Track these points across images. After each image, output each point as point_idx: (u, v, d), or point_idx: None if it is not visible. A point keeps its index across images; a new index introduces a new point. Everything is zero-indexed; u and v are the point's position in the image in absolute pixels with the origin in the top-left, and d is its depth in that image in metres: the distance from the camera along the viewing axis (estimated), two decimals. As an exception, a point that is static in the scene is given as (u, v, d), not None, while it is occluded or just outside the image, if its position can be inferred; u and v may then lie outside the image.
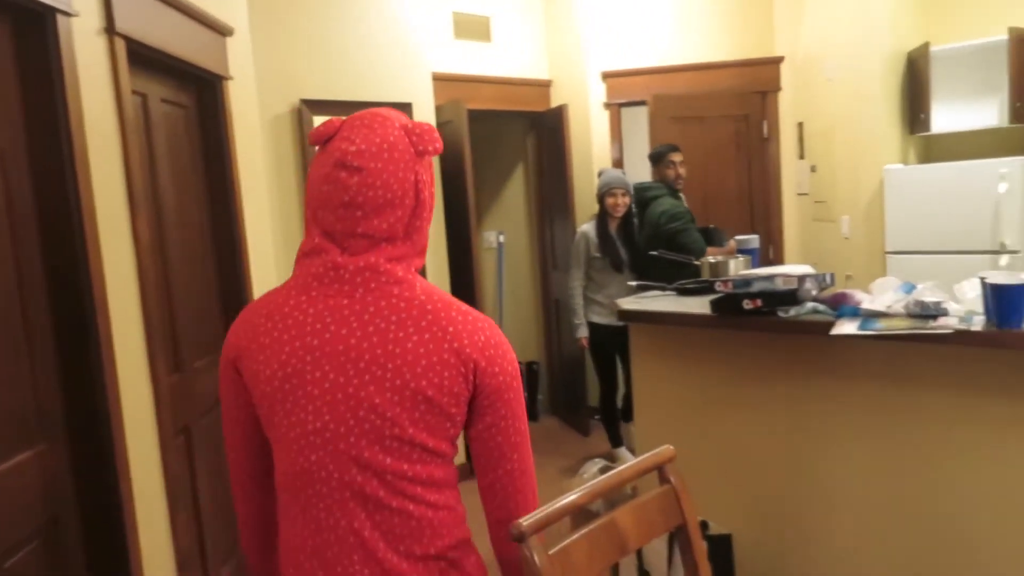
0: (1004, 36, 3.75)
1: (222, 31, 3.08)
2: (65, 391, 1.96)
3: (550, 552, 1.25)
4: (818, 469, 2.45)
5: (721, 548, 2.62)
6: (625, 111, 5.30)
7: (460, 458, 1.32)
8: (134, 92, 2.46)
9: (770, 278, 2.35)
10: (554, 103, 5.42)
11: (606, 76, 5.20)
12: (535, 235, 5.75)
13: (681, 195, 4.35)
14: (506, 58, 5.17)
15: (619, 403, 4.42)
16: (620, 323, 4.10)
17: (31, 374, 1.85)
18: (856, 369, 2.32)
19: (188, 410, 2.77)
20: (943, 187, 3.88)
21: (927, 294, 2.18)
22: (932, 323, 2.05)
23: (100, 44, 2.16)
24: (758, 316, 2.36)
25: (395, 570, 1.20)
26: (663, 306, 2.74)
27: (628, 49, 5.18)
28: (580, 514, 3.25)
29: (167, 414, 2.45)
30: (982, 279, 2.02)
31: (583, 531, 1.34)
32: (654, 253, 3.79)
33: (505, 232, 5.93)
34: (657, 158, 4.39)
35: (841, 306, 2.26)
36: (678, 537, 1.50)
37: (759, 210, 5.23)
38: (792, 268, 2.51)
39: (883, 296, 2.28)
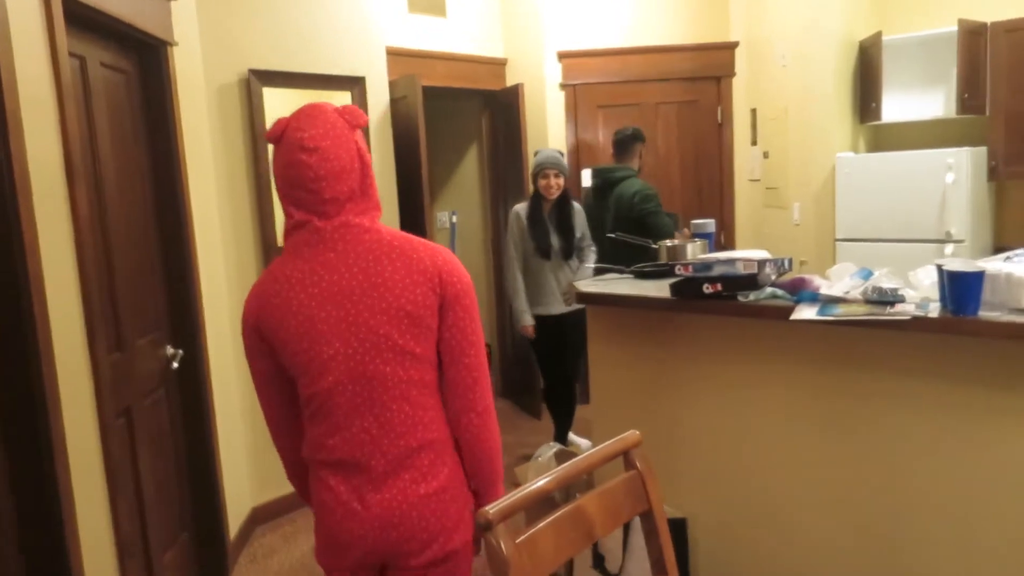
0: (954, 27, 3.82)
1: (167, -6, 2.94)
2: (-3, 371, 1.84)
3: (517, 541, 1.21)
4: (775, 453, 2.46)
5: (676, 532, 2.63)
6: (583, 90, 5.26)
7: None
8: (72, 54, 2.33)
9: (731, 262, 2.34)
10: (509, 82, 5.35)
11: (562, 56, 5.15)
12: (488, 216, 5.69)
13: None
14: (461, 34, 5.08)
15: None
16: (552, 312, 4.07)
17: (-41, 353, 1.73)
18: (814, 354, 2.34)
19: (129, 391, 2.66)
20: (892, 176, 3.94)
21: (884, 280, 2.19)
22: (890, 309, 2.06)
23: (34, 1, 2.02)
24: (718, 300, 2.36)
25: (396, 457, 1.56)
26: (621, 289, 2.71)
27: (585, 30, 5.14)
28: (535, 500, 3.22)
29: (107, 396, 2.34)
30: (938, 266, 2.03)
31: (549, 519, 1.31)
32: (612, 235, 3.77)
33: (458, 212, 5.86)
34: (624, 143, 4.28)
35: (800, 291, 2.26)
36: (644, 522, 1.48)
37: (711, 196, 5.26)
38: (751, 253, 2.51)
39: (841, 282, 2.29)
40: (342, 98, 4.06)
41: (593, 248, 4.16)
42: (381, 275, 1.54)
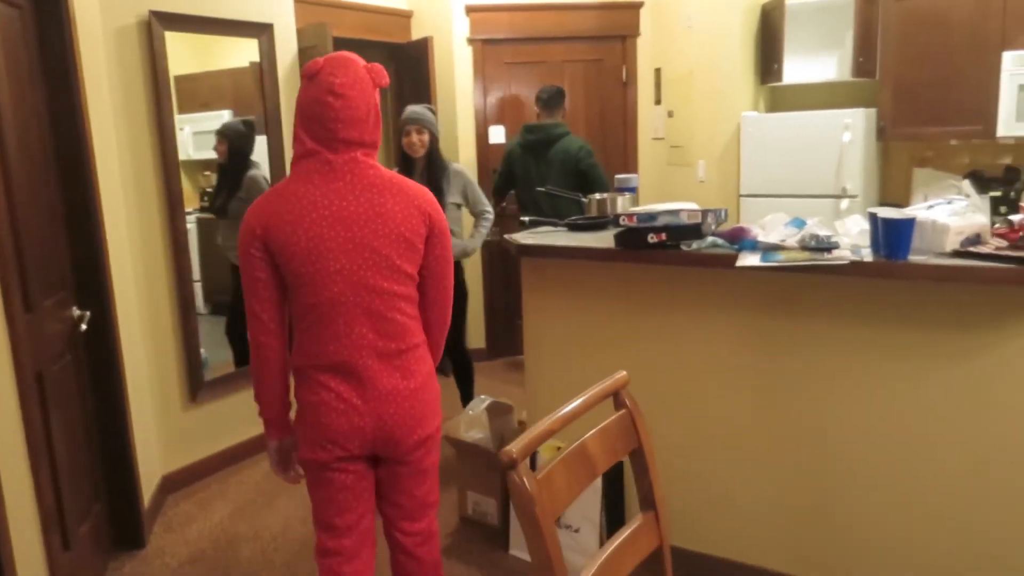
0: (851, -6, 4.02)
1: (65, -80, 2.67)
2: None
3: (538, 477, 1.22)
4: (716, 399, 2.57)
5: (612, 477, 2.71)
6: (491, 47, 5.20)
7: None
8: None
9: (675, 212, 2.41)
10: (415, 35, 5.22)
11: (470, 10, 5.07)
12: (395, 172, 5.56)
13: None
14: (367, -17, 4.90)
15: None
16: None
17: None
18: (753, 301, 2.44)
19: (40, 355, 2.45)
20: (794, 135, 4.14)
21: (818, 229, 2.32)
22: (827, 255, 2.18)
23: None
24: (662, 250, 2.42)
25: (388, 356, 1.86)
26: (561, 241, 2.74)
27: (493, -17, 5.07)
28: (460, 445, 3.24)
29: (26, 357, 2.15)
30: (872, 214, 2.17)
31: (560, 456, 1.32)
32: (542, 189, 3.79)
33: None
34: (553, 100, 4.36)
35: (741, 240, 2.36)
36: (634, 459, 1.52)
37: (615, 153, 5.36)
38: (687, 204, 2.58)
39: (776, 231, 2.41)
40: (249, 45, 3.85)
41: (488, 214, 3.81)
42: (384, 205, 1.82)
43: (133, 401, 3.15)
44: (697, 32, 4.60)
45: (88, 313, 2.84)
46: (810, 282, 2.32)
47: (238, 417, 3.88)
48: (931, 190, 4.14)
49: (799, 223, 2.40)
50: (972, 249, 2.09)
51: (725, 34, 4.40)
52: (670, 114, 5.03)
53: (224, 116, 3.98)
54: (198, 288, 3.79)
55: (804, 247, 2.27)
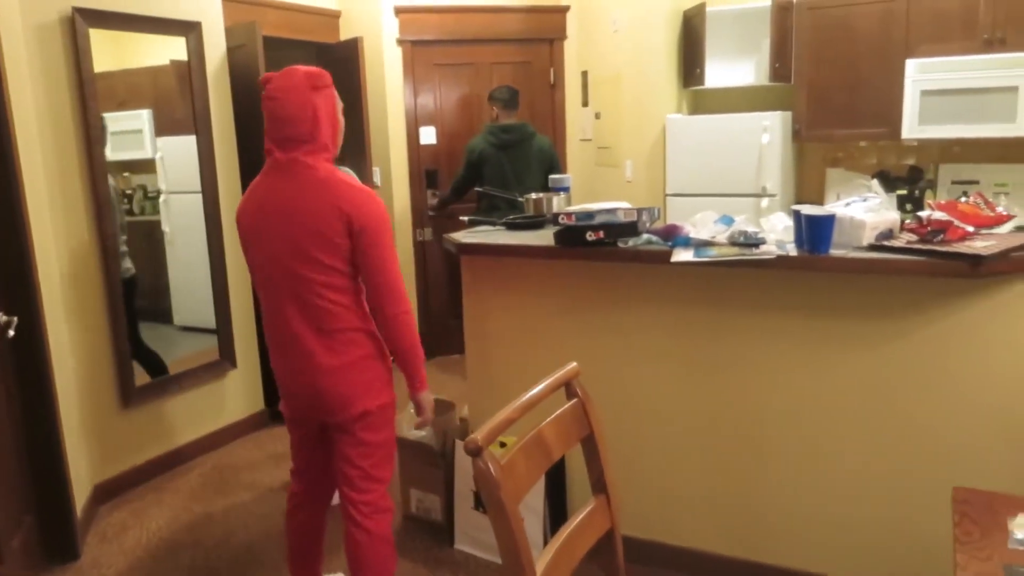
0: (768, 2, 4.22)
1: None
2: None
3: (502, 463, 1.28)
4: (649, 390, 2.68)
5: (555, 469, 2.80)
6: (420, 48, 5.23)
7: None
8: None
9: (612, 211, 2.50)
10: (344, 36, 5.20)
11: (399, 11, 5.09)
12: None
13: None
14: (294, -17, 4.86)
15: None
16: None
17: None
18: (685, 295, 2.56)
19: (-30, 363, 2.38)
20: (716, 136, 4.32)
21: (745, 226, 2.46)
22: (755, 251, 2.32)
23: None
24: (599, 247, 2.52)
25: (312, 338, 2.12)
26: (500, 239, 2.80)
27: (422, -15, 5.10)
28: (403, 443, 3.24)
29: (-41, 366, 2.09)
30: (795, 211, 2.31)
31: (519, 445, 1.38)
32: (479, 189, 3.86)
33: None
34: (513, 100, 4.65)
35: (675, 237, 2.47)
36: (585, 445, 1.60)
37: (545, 154, 5.46)
38: (621, 204, 2.69)
39: (706, 228, 2.53)
40: (177, 43, 3.78)
41: None
42: (308, 201, 2.06)
43: (63, 408, 3.06)
44: (623, 36, 4.73)
45: (16, 319, 2.75)
46: (739, 275, 2.46)
47: (172, 423, 3.81)
48: (843, 189, 4.39)
49: (728, 220, 2.53)
50: (886, 243, 2.26)
51: (650, 39, 4.55)
52: (597, 116, 5.16)
53: (143, 116, 3.88)
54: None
55: (733, 243, 2.40)
